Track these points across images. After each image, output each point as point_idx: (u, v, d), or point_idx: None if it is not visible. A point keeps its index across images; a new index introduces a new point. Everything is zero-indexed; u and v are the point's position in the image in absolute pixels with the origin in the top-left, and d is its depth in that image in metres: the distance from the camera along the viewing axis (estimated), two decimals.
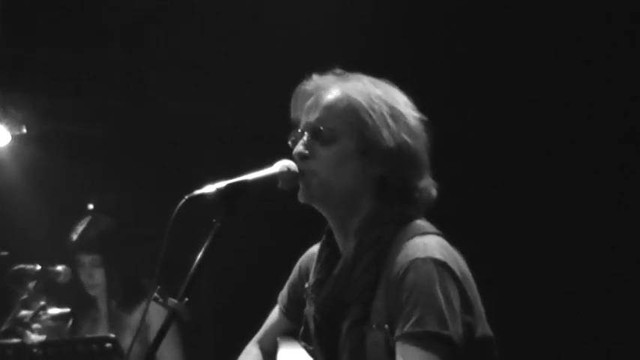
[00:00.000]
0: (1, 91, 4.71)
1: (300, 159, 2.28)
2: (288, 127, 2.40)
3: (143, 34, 4.71)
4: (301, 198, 2.29)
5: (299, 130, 2.33)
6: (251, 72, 4.50)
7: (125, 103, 5.07)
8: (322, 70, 2.40)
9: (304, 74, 2.41)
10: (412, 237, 2.19)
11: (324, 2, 4.22)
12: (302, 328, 2.44)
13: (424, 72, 4.13)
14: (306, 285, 2.41)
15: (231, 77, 4.59)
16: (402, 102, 2.32)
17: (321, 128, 2.27)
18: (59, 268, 3.86)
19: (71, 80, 4.88)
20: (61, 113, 5.03)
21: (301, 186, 2.28)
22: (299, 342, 2.45)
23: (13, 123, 4.72)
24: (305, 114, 2.34)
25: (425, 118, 2.34)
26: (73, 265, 4.17)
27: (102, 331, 4.23)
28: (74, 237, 4.23)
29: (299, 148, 2.29)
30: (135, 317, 4.15)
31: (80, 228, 4.25)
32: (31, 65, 4.80)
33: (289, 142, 2.36)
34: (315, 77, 2.38)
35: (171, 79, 4.80)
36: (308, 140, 2.28)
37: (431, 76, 4.14)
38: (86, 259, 4.22)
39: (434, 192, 2.31)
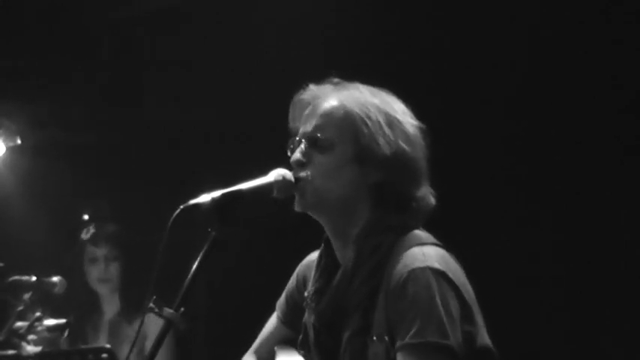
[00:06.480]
0: None
1: (297, 166, 2.29)
2: (285, 133, 2.40)
3: (134, 39, 4.71)
4: (297, 206, 2.29)
5: (297, 139, 2.34)
6: (245, 78, 4.50)
7: (119, 110, 5.06)
8: (319, 76, 2.40)
9: (298, 80, 2.42)
10: (411, 247, 2.18)
11: (320, 7, 4.22)
12: (301, 336, 2.43)
13: (419, 73, 4.13)
14: (305, 294, 2.41)
15: (224, 82, 4.58)
16: (399, 110, 2.33)
17: (319, 136, 2.28)
18: (54, 279, 3.84)
19: (64, 88, 4.87)
20: (55, 122, 5.02)
21: (296, 194, 2.28)
22: (297, 350, 2.44)
23: (7, 134, 4.71)
24: (303, 123, 2.35)
25: (423, 126, 2.34)
26: (82, 263, 4.24)
27: (102, 340, 4.23)
28: (87, 234, 4.32)
29: (296, 155, 2.30)
30: (135, 328, 4.13)
31: (93, 227, 4.35)
32: (23, 74, 4.79)
33: (288, 151, 2.36)
34: (312, 87, 2.39)
35: (166, 85, 4.79)
36: (305, 148, 2.29)
37: (429, 75, 4.15)
38: (100, 252, 4.30)
39: (432, 200, 2.32)
